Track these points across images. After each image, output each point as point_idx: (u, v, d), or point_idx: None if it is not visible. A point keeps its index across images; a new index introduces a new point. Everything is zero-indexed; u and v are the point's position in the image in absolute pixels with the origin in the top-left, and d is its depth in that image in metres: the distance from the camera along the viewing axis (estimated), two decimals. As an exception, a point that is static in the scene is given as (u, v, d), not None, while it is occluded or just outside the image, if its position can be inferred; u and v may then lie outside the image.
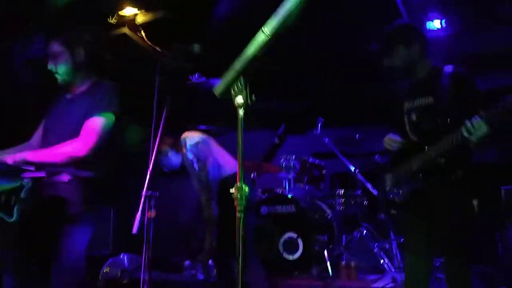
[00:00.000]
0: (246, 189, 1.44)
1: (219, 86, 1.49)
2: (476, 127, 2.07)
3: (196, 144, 3.66)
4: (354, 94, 5.34)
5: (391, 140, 2.61)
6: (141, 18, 4.70)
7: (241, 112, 1.49)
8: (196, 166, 3.64)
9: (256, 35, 1.43)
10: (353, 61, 4.74)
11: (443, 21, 4.82)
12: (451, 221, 2.37)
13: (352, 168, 4.75)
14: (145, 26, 4.73)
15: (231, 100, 1.50)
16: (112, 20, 4.64)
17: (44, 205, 2.50)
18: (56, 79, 2.72)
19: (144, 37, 4.80)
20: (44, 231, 2.49)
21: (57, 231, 2.47)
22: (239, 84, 1.48)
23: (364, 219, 4.66)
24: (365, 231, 4.52)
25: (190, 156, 3.68)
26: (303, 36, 3.82)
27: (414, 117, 2.55)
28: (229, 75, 1.47)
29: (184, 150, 3.71)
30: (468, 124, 2.10)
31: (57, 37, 2.71)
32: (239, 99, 1.51)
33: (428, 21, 4.86)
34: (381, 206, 2.75)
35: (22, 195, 2.40)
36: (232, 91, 1.50)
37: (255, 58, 1.40)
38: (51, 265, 2.44)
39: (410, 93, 2.63)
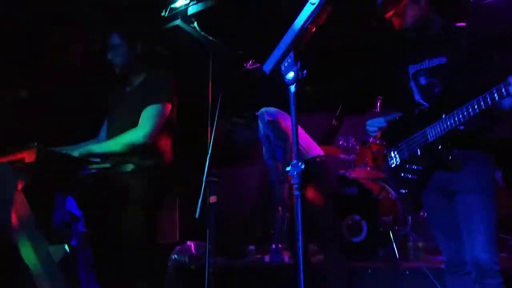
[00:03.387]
0: (302, 166, 1.40)
1: (268, 63, 1.46)
2: None
3: (275, 118, 3.46)
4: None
5: (372, 125, 2.46)
6: (192, 8, 4.75)
7: (292, 88, 1.45)
8: (273, 141, 3.49)
9: (304, 7, 1.38)
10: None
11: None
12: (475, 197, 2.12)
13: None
14: (197, 16, 4.79)
15: (280, 77, 1.46)
16: (165, 14, 4.74)
17: (109, 192, 2.62)
18: (113, 71, 2.85)
19: (197, 27, 4.85)
20: (110, 216, 2.60)
21: (121, 216, 2.57)
22: (289, 59, 1.44)
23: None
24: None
25: (267, 131, 3.53)
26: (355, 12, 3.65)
27: (423, 80, 2.25)
28: (278, 50, 1.44)
29: (260, 124, 3.55)
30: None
31: (117, 30, 2.85)
32: (290, 75, 1.46)
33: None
34: (391, 185, 2.52)
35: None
36: (282, 67, 1.46)
37: (304, 30, 1.35)
38: (118, 248, 2.55)
39: (417, 54, 2.29)
